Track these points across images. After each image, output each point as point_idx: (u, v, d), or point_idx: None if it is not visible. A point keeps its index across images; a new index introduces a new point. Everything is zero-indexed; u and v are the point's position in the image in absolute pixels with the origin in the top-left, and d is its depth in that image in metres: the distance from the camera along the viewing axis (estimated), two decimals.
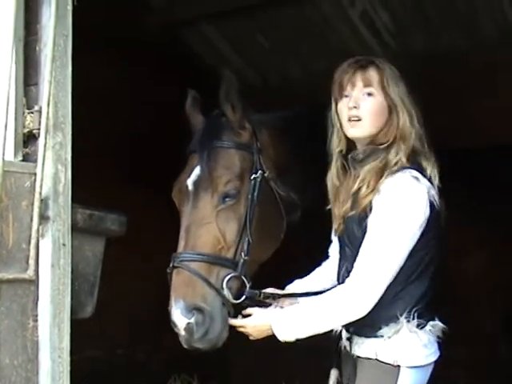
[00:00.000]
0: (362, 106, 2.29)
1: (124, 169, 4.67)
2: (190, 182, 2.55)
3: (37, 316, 2.02)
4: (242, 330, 2.45)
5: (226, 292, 2.44)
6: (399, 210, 2.20)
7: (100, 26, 4.24)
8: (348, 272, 2.31)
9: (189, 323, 2.36)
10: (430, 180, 2.29)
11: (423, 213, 2.23)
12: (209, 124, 2.65)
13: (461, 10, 4.33)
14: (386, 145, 2.30)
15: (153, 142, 4.93)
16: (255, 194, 2.53)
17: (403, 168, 2.27)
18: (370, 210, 2.26)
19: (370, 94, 2.30)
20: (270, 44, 4.88)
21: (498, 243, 3.88)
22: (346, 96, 2.33)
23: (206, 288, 2.42)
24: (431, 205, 2.26)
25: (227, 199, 2.50)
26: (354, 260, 2.29)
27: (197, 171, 2.54)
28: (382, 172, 2.26)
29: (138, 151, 4.83)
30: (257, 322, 2.39)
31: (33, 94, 2.09)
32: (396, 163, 2.26)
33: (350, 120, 2.30)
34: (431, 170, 2.31)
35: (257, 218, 2.54)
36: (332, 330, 2.49)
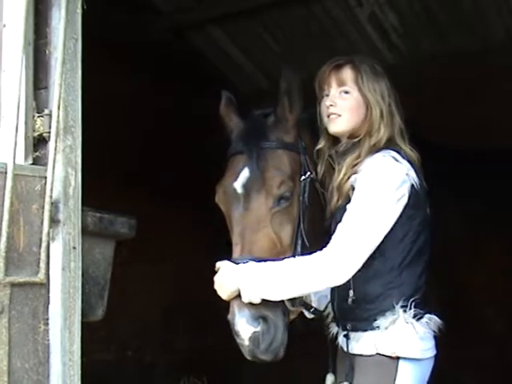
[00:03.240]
0: (338, 104, 2.41)
1: (129, 173, 4.67)
2: (238, 185, 2.43)
3: (48, 319, 2.01)
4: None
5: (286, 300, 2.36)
6: (375, 182, 2.27)
7: (107, 29, 4.26)
8: None
9: (255, 332, 2.26)
10: (410, 162, 2.36)
11: (400, 187, 2.28)
12: (252, 124, 2.54)
13: (468, 12, 4.33)
14: (358, 138, 2.41)
15: (158, 144, 4.95)
16: (306, 195, 2.45)
17: (383, 149, 2.36)
18: (353, 189, 2.32)
19: (346, 92, 2.42)
20: (278, 46, 4.89)
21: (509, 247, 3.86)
22: (327, 95, 2.45)
23: None
24: (412, 186, 2.31)
25: (282, 201, 2.41)
26: None
27: (245, 173, 2.43)
28: (357, 159, 2.37)
29: (144, 155, 4.84)
30: (222, 278, 2.32)
31: (43, 98, 2.08)
32: (365, 154, 2.37)
33: (329, 117, 2.43)
34: (414, 155, 2.40)
35: (307, 220, 2.46)
36: (328, 331, 2.51)
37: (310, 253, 2.30)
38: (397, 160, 2.32)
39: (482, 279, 3.79)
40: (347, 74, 2.42)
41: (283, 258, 2.33)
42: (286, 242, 2.41)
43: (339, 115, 2.40)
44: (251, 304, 2.27)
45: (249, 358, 2.32)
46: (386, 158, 2.33)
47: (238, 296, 2.29)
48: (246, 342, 2.28)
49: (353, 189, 2.33)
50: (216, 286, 2.36)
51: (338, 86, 2.42)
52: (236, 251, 2.39)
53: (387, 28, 4.54)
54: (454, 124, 4.78)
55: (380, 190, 2.25)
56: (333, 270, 2.21)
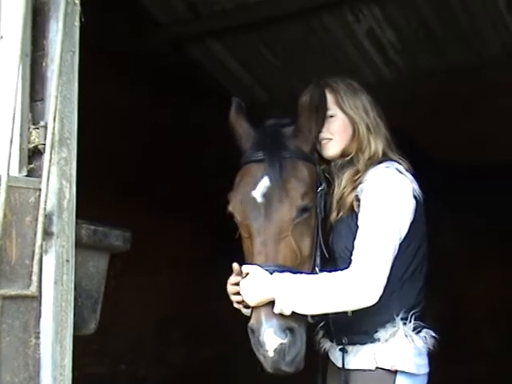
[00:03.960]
0: (326, 129, 2.48)
1: (127, 184, 4.66)
2: (258, 194, 2.39)
3: (39, 333, 1.99)
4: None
5: None
6: (385, 195, 2.29)
7: (106, 40, 4.27)
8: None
9: (282, 344, 2.21)
10: (412, 174, 2.41)
11: (410, 201, 2.33)
12: (270, 133, 2.50)
13: (465, 27, 4.35)
14: (350, 156, 2.47)
15: (156, 156, 4.95)
16: (322, 206, 2.45)
17: (385, 160, 2.42)
18: (358, 200, 2.35)
19: (331, 116, 2.48)
20: (276, 60, 4.90)
21: (506, 262, 3.86)
22: None
23: None
24: (414, 197, 2.36)
25: (304, 213, 2.39)
26: (345, 261, 2.30)
27: (265, 182, 2.39)
28: (356, 174, 2.42)
29: (142, 167, 4.84)
30: (254, 284, 2.28)
31: (39, 110, 2.08)
32: (363, 168, 2.42)
33: (320, 143, 2.50)
34: (407, 165, 2.45)
35: (323, 231, 2.46)
36: (319, 347, 2.51)
37: (330, 270, 2.30)
38: (401, 172, 2.37)
39: (478, 294, 3.80)
40: (328, 98, 2.48)
41: (305, 271, 2.33)
42: (305, 253, 2.39)
43: (330, 139, 2.48)
44: (280, 314, 2.24)
45: (270, 370, 2.26)
46: (390, 169, 2.37)
47: (266, 304, 2.26)
48: (271, 354, 2.22)
49: (357, 199, 2.35)
50: (244, 291, 2.32)
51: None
52: (259, 259, 2.34)
53: (385, 44, 4.56)
54: (450, 139, 4.79)
55: (392, 203, 2.28)
56: (367, 290, 2.20)
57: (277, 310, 2.24)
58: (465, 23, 4.29)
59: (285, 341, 2.22)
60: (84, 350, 4.11)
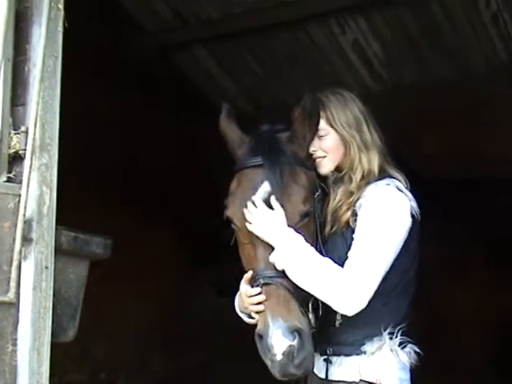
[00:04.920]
0: (320, 147, 2.47)
1: (111, 192, 4.64)
2: (258, 199, 2.36)
3: (16, 340, 1.98)
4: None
5: (310, 316, 2.31)
6: (384, 213, 2.29)
7: (91, 47, 4.26)
8: None
9: (290, 346, 2.16)
10: (410, 191, 2.41)
11: (407, 219, 2.33)
12: (266, 139, 2.48)
13: (451, 43, 4.39)
14: (343, 172, 2.47)
15: (142, 162, 4.94)
16: (318, 212, 2.44)
17: (385, 177, 2.41)
18: (355, 215, 2.34)
19: (324, 135, 2.47)
20: (262, 70, 4.91)
21: (491, 275, 3.88)
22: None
23: (299, 309, 2.26)
24: (412, 216, 2.36)
25: (305, 218, 2.38)
26: None
27: (266, 187, 2.37)
28: (351, 195, 2.41)
29: (127, 172, 4.83)
30: (272, 223, 2.27)
31: (20, 115, 2.07)
32: (356, 189, 2.41)
33: (314, 161, 2.49)
34: (402, 178, 2.45)
35: (321, 236, 2.45)
36: None
37: None
38: (401, 190, 2.37)
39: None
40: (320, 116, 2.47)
41: None
42: None
43: (324, 156, 2.47)
44: (284, 315, 2.21)
45: (277, 374, 2.20)
46: (390, 187, 2.36)
47: (267, 310, 2.24)
48: (279, 357, 2.17)
49: (354, 215, 2.34)
50: (257, 219, 2.30)
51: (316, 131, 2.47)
52: (261, 265, 2.32)
53: (370, 56, 4.58)
54: (435, 152, 4.82)
55: (389, 221, 2.28)
56: (351, 297, 2.21)
57: (272, 258, 2.26)
58: (449, 36, 4.33)
59: (293, 343, 2.18)
60: (64, 358, 4.08)
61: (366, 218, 2.31)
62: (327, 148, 2.47)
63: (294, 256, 2.24)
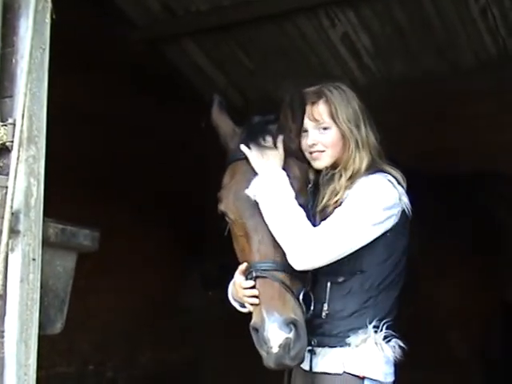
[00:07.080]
0: (320, 141, 2.44)
1: (99, 186, 4.63)
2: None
3: (3, 332, 1.98)
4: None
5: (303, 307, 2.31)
6: (367, 197, 2.30)
7: (83, 42, 4.24)
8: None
9: (287, 338, 2.18)
10: (403, 187, 2.41)
11: (388, 209, 2.32)
12: (257, 131, 2.48)
13: (440, 37, 4.40)
14: (337, 169, 2.44)
15: (130, 157, 4.92)
16: (311, 204, 2.43)
17: (379, 170, 2.40)
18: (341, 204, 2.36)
19: (325, 128, 2.45)
20: (250, 63, 4.91)
21: (474, 269, 3.90)
22: (306, 131, 2.47)
23: (294, 301, 2.27)
24: (403, 211, 2.36)
25: None
26: (331, 267, 2.30)
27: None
28: (337, 194, 2.39)
29: (115, 168, 4.81)
30: (268, 160, 2.35)
31: (7, 107, 2.06)
32: (343, 188, 2.40)
33: (312, 154, 2.46)
34: (399, 175, 2.43)
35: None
36: None
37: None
38: (393, 184, 2.37)
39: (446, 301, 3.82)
40: (323, 109, 2.44)
41: None
42: None
43: (323, 151, 2.44)
44: (279, 308, 2.22)
45: (272, 365, 2.21)
46: (382, 179, 2.37)
47: (265, 302, 2.26)
48: (276, 349, 2.18)
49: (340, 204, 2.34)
50: (257, 157, 2.37)
51: (316, 124, 2.44)
52: (257, 257, 2.33)
53: (359, 49, 4.59)
54: (424, 146, 4.84)
55: (369, 205, 2.29)
56: (306, 251, 2.23)
57: (250, 191, 2.32)
58: (439, 30, 4.34)
59: (290, 335, 2.19)
60: (51, 350, 4.07)
61: (350, 197, 2.33)
62: (328, 142, 2.44)
63: (272, 192, 2.27)
